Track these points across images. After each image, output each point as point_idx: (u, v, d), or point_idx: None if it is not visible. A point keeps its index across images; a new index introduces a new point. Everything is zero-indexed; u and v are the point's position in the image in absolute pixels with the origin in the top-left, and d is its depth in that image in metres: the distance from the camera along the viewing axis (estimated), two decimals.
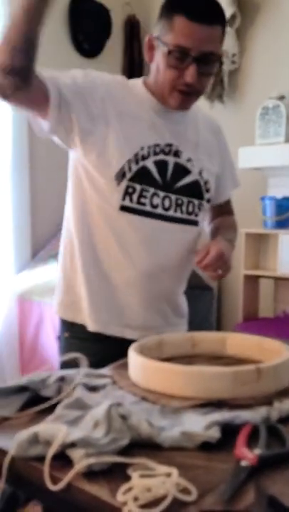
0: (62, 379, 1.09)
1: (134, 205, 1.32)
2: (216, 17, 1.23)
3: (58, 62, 2.92)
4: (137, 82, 1.36)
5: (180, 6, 1.21)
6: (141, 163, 1.30)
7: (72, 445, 0.83)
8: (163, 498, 0.72)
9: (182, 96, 1.27)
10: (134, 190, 1.31)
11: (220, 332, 1.52)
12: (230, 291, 3.08)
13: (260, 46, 2.90)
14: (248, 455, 0.84)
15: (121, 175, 1.30)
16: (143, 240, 1.36)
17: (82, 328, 1.40)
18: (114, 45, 3.17)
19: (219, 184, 1.49)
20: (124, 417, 0.91)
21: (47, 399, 1.05)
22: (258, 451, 0.85)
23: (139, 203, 1.32)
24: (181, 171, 1.37)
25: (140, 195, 1.32)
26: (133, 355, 1.14)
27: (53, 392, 1.07)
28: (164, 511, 0.70)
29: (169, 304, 1.46)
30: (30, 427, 0.89)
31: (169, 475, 0.77)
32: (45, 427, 0.88)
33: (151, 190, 1.33)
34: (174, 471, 0.78)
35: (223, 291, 3.14)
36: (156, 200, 1.34)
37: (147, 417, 0.94)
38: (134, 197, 1.31)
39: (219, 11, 1.25)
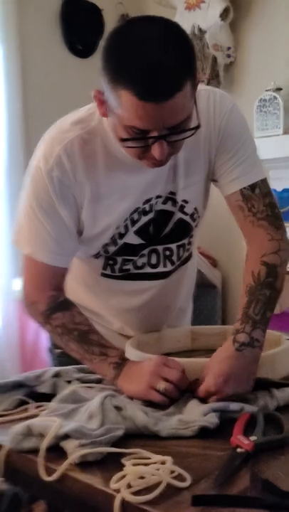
0: (57, 375, 1.08)
1: (117, 274, 1.22)
2: (175, 83, 0.90)
3: (51, 63, 2.93)
4: (96, 139, 1.09)
5: (124, 79, 0.89)
6: (120, 242, 1.16)
7: (66, 437, 0.83)
8: (156, 485, 0.72)
9: (154, 164, 1.02)
10: (116, 261, 1.20)
11: (219, 326, 1.51)
12: (235, 289, 3.07)
13: (255, 38, 2.90)
14: (244, 442, 0.83)
15: (98, 255, 1.20)
16: (129, 298, 1.27)
17: None
18: None
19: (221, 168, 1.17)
20: (119, 408, 0.91)
21: (43, 395, 1.05)
22: (254, 438, 0.84)
23: (121, 270, 1.21)
24: (163, 217, 1.18)
25: (122, 265, 1.20)
26: (130, 350, 1.13)
27: (49, 388, 1.06)
28: (157, 498, 0.70)
29: (172, 315, 1.39)
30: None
31: (163, 463, 0.77)
32: (39, 420, 0.88)
33: (135, 258, 1.20)
34: (168, 459, 0.77)
35: (227, 289, 3.12)
36: (142, 260, 1.21)
37: (143, 408, 0.93)
38: (116, 267, 1.21)
39: (178, 71, 0.90)
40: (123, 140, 0.97)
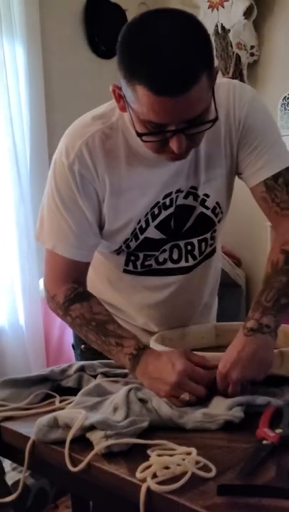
0: (82, 369, 1.09)
1: (139, 269, 1.22)
2: (191, 76, 0.88)
3: (74, 64, 2.96)
4: (117, 134, 1.09)
5: (139, 74, 0.89)
6: (141, 237, 1.16)
7: (92, 428, 0.84)
8: (182, 475, 0.72)
9: (173, 158, 1.02)
10: (138, 257, 1.20)
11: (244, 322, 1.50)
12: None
13: (279, 37, 2.88)
14: (269, 434, 0.83)
15: (120, 251, 1.20)
16: (152, 294, 1.26)
17: None
18: None
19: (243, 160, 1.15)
20: (143, 401, 0.91)
21: (68, 389, 1.06)
22: (279, 431, 0.84)
23: (143, 266, 1.21)
24: (184, 211, 1.17)
25: (144, 260, 1.20)
26: (155, 346, 1.13)
27: (74, 382, 1.07)
28: (182, 487, 0.70)
29: (197, 311, 1.37)
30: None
31: (188, 454, 0.77)
32: (65, 412, 0.88)
33: (156, 253, 1.19)
34: (193, 450, 0.77)
35: (251, 288, 3.10)
36: (163, 256, 1.20)
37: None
38: (138, 263, 1.21)
39: (193, 64, 0.89)
40: (141, 134, 0.96)
